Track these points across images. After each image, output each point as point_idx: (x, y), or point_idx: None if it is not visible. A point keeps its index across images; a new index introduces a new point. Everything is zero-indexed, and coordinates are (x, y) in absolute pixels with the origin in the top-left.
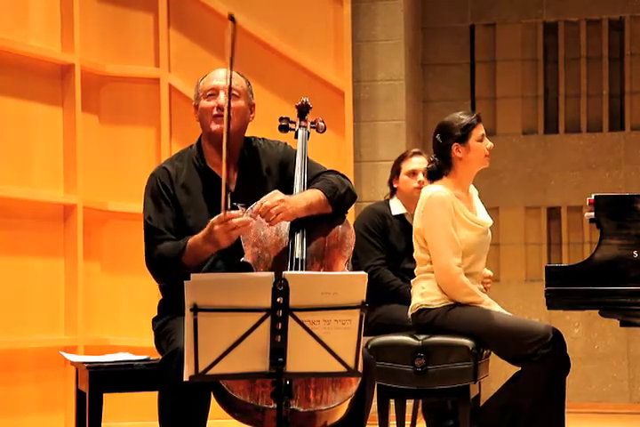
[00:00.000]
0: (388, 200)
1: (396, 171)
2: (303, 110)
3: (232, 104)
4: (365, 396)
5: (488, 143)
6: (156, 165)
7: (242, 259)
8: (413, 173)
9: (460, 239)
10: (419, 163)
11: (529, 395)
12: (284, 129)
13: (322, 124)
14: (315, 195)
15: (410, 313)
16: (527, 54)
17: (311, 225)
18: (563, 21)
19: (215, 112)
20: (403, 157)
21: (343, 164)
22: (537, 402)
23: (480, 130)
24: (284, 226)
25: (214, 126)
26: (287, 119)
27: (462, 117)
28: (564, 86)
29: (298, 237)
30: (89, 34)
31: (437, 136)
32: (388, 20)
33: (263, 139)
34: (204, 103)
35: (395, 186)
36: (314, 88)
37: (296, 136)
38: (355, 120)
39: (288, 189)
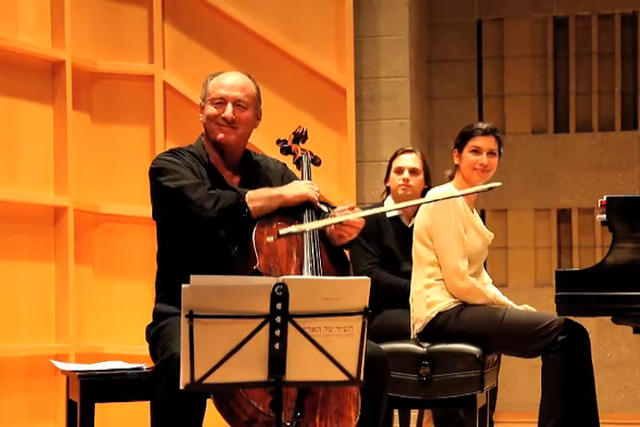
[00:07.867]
0: (383, 201)
1: (387, 170)
2: (298, 139)
3: (240, 115)
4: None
5: (482, 159)
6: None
7: (254, 266)
8: (400, 171)
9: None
10: (410, 160)
11: (557, 384)
12: (285, 151)
13: (319, 158)
14: None
15: (416, 330)
16: (536, 50)
17: (325, 242)
18: (573, 16)
19: (220, 122)
20: (394, 156)
21: (345, 164)
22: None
23: (477, 142)
24: (298, 240)
25: (219, 135)
26: (285, 142)
27: (473, 125)
28: (574, 83)
29: (311, 252)
30: (80, 29)
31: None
32: (391, 15)
33: (263, 155)
34: (211, 109)
35: (388, 185)
36: (314, 85)
37: (298, 162)
38: (357, 118)
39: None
